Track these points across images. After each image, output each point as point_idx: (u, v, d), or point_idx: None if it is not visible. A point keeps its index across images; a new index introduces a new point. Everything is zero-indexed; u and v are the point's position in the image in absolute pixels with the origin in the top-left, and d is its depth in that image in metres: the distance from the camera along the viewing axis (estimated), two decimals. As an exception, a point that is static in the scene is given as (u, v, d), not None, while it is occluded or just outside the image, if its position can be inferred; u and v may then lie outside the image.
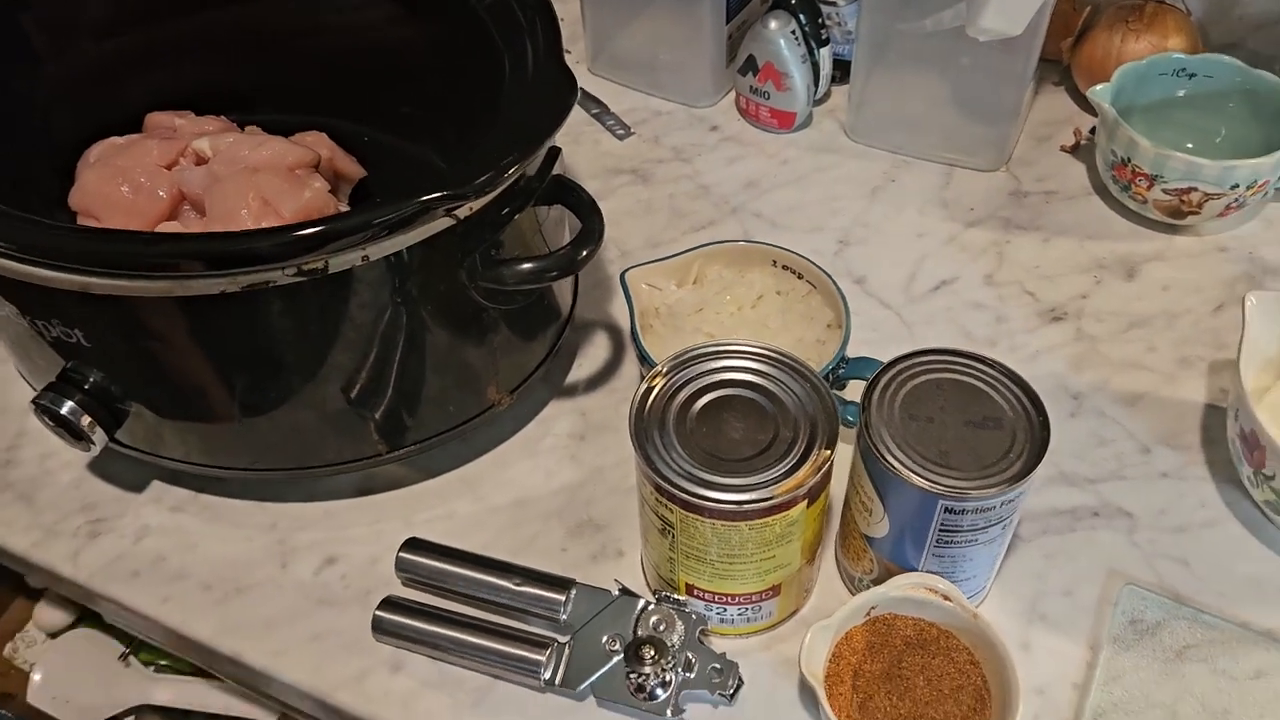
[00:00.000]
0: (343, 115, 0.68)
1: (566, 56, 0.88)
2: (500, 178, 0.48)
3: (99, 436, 0.55)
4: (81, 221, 0.59)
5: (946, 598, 0.50)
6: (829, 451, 0.47)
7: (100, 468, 0.63)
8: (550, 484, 0.61)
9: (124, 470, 0.62)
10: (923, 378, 0.50)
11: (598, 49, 0.87)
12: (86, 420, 0.54)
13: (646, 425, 0.49)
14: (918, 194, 0.76)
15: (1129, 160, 0.69)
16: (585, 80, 0.87)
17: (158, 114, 0.66)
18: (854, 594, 0.55)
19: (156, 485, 0.62)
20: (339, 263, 0.47)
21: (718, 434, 0.48)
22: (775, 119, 0.80)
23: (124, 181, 0.57)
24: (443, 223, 0.49)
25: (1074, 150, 0.78)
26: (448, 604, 0.56)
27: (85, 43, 0.66)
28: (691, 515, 0.47)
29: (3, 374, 0.66)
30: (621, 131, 0.82)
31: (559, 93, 0.52)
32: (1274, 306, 0.57)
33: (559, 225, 0.60)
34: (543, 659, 0.52)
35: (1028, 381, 0.49)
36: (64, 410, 0.53)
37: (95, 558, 0.59)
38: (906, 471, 0.46)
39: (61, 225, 0.49)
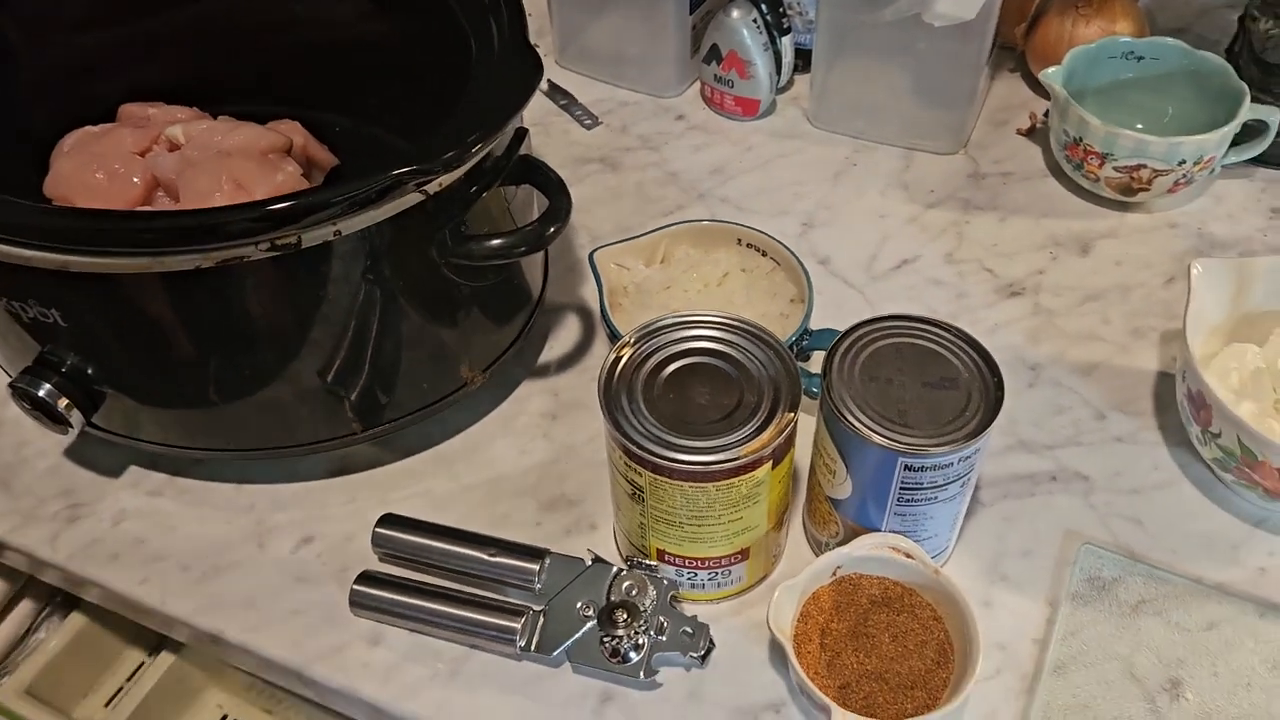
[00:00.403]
0: (314, 105, 0.69)
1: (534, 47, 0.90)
2: (468, 153, 0.50)
3: (76, 419, 0.56)
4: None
5: (909, 556, 0.51)
6: (792, 414, 0.49)
7: (77, 454, 0.63)
8: (524, 461, 0.62)
9: (101, 456, 0.63)
10: (882, 342, 0.51)
11: (565, 42, 0.88)
12: (64, 403, 0.55)
13: (615, 393, 0.50)
14: (879, 177, 0.78)
15: (1081, 140, 0.71)
16: (553, 73, 0.88)
17: (131, 105, 0.66)
18: (822, 555, 0.57)
19: (134, 470, 0.63)
20: (311, 238, 0.48)
21: (685, 400, 0.50)
22: (740, 107, 0.82)
23: (99, 168, 0.58)
24: (413, 198, 0.50)
25: (1029, 133, 0.80)
26: (424, 577, 0.57)
27: (59, 36, 0.67)
28: (660, 478, 0.49)
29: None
30: (589, 121, 0.84)
31: (524, 72, 0.53)
32: (1219, 274, 0.59)
33: (527, 205, 0.61)
34: (518, 626, 0.53)
35: (982, 344, 0.51)
36: (41, 393, 0.54)
37: (74, 541, 0.60)
38: (866, 430, 0.48)
39: (40, 205, 0.50)
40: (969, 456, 0.49)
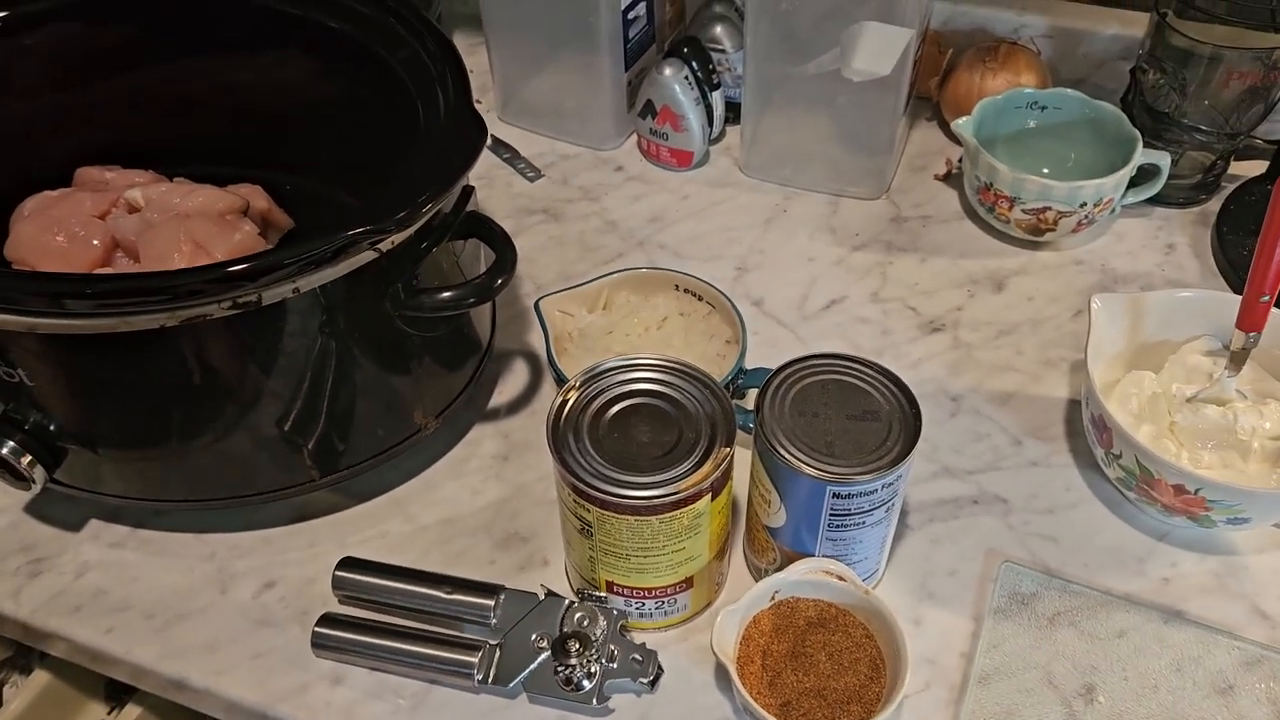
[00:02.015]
0: (266, 165, 0.72)
1: (478, 105, 0.93)
2: (419, 212, 0.53)
3: (39, 475, 0.58)
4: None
5: (841, 579, 0.55)
6: (728, 449, 0.52)
7: (37, 509, 0.65)
8: (477, 501, 0.65)
9: (62, 511, 0.64)
10: (810, 379, 0.55)
11: (507, 97, 0.92)
12: (27, 460, 0.57)
13: (563, 434, 0.53)
14: (807, 222, 0.83)
15: (991, 185, 0.76)
16: (496, 128, 0.92)
17: (88, 168, 0.69)
18: (761, 581, 0.60)
19: (95, 523, 0.64)
20: (271, 295, 0.51)
21: (628, 439, 0.53)
22: (674, 158, 0.87)
23: (59, 231, 0.60)
24: (367, 255, 0.53)
25: (946, 178, 0.85)
26: (384, 617, 0.59)
27: (11, 102, 0.69)
28: (607, 513, 0.52)
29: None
30: (532, 174, 0.88)
31: (470, 134, 0.57)
32: (1115, 308, 0.64)
33: (475, 258, 0.65)
34: (475, 660, 0.55)
35: (901, 378, 0.55)
36: (4, 451, 0.56)
37: (37, 595, 0.61)
38: (797, 462, 0.52)
39: (5, 270, 0.52)
40: (892, 483, 0.53)
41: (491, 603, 0.57)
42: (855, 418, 0.54)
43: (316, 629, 0.58)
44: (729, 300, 0.66)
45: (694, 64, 0.83)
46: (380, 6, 0.64)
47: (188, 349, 0.53)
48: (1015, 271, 0.78)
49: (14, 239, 0.62)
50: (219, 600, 0.61)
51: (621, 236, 0.82)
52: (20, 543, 0.63)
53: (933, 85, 0.88)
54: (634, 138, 0.90)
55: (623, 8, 0.82)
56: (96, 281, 0.51)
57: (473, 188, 0.61)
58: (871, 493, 0.52)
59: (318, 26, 0.66)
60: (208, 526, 0.64)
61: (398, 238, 0.53)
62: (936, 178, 0.86)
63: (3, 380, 0.54)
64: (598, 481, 0.51)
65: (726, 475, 0.53)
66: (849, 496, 0.52)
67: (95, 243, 0.62)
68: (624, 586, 0.56)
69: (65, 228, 0.62)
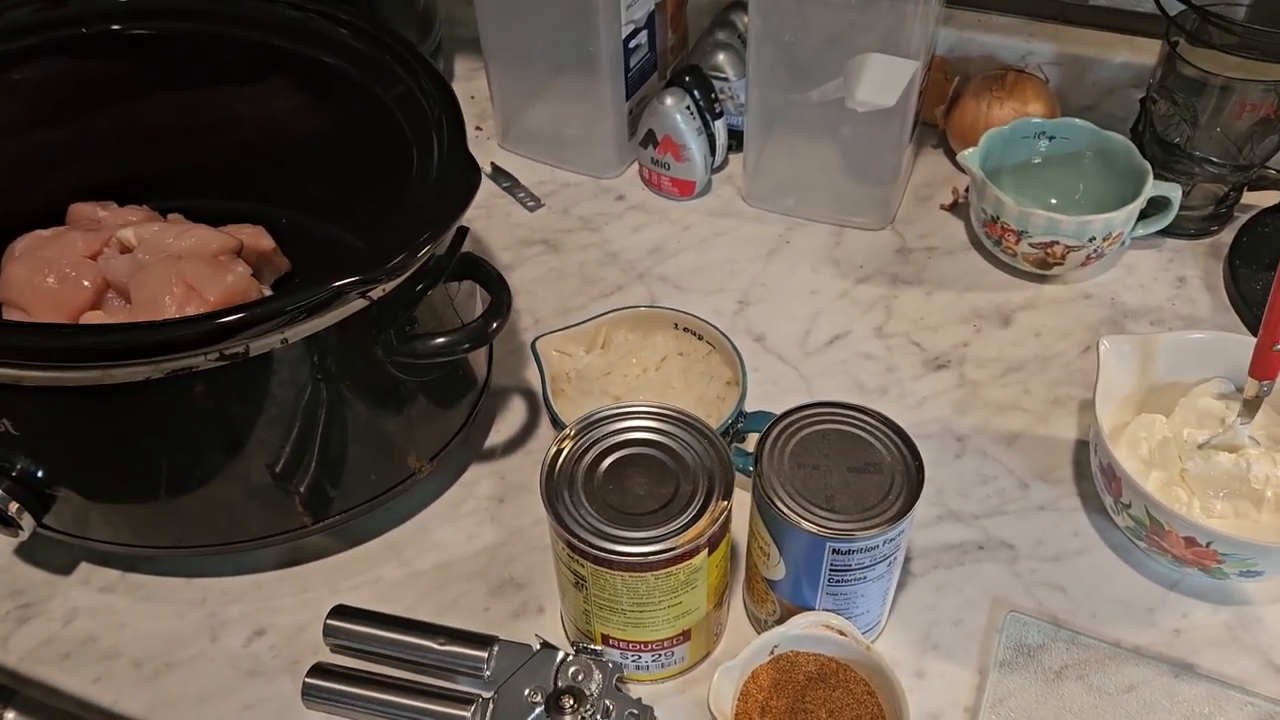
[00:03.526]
0: (261, 199, 0.72)
1: (477, 133, 0.93)
2: (410, 260, 0.52)
3: (27, 522, 0.57)
4: (7, 313, 0.61)
5: (842, 633, 0.54)
6: (726, 502, 0.51)
7: (26, 552, 0.64)
8: (472, 545, 0.64)
9: (51, 554, 0.63)
10: (810, 429, 0.54)
11: (507, 125, 0.91)
12: (14, 507, 0.56)
13: (557, 486, 0.52)
14: (811, 253, 0.82)
15: (998, 218, 0.75)
16: (496, 155, 0.91)
17: (81, 205, 0.68)
18: (760, 635, 0.59)
19: (84, 567, 0.63)
20: (259, 346, 0.50)
21: (623, 491, 0.52)
22: (676, 188, 0.85)
23: (50, 273, 0.60)
24: (357, 304, 0.52)
25: (952, 208, 0.84)
26: (376, 667, 0.58)
27: (1, 139, 0.68)
28: (602, 569, 0.51)
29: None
30: (532, 204, 0.86)
31: (464, 178, 0.56)
32: (1125, 349, 0.63)
33: (470, 297, 0.64)
34: (468, 715, 0.54)
35: (904, 429, 0.53)
36: (-9, 498, 0.55)
37: (25, 641, 0.60)
38: (795, 517, 0.50)
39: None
40: (894, 538, 0.51)
41: (485, 654, 0.56)
42: (856, 470, 0.52)
43: (307, 680, 0.56)
44: (729, 340, 0.65)
45: (696, 93, 0.82)
46: (377, 44, 0.63)
47: (174, 399, 0.52)
48: (1022, 306, 0.77)
49: (5, 280, 0.62)
50: (209, 648, 0.60)
51: (622, 268, 0.81)
52: (9, 587, 0.62)
53: (939, 113, 0.86)
54: (635, 166, 0.88)
55: (624, 36, 0.81)
56: (77, 334, 0.50)
57: (467, 228, 0.60)
58: (873, 548, 0.51)
59: (313, 62, 0.65)
60: (198, 570, 0.63)
61: (389, 285, 0.52)
62: (943, 207, 0.84)
63: (-12, 429, 0.53)
64: (591, 537, 0.50)
65: (724, 529, 0.52)
66: (850, 552, 0.51)
67: (86, 284, 0.61)
68: (620, 639, 0.55)
69: (56, 269, 0.61)
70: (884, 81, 0.75)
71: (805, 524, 0.50)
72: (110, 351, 0.49)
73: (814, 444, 0.53)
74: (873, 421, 0.54)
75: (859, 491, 0.52)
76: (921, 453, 0.52)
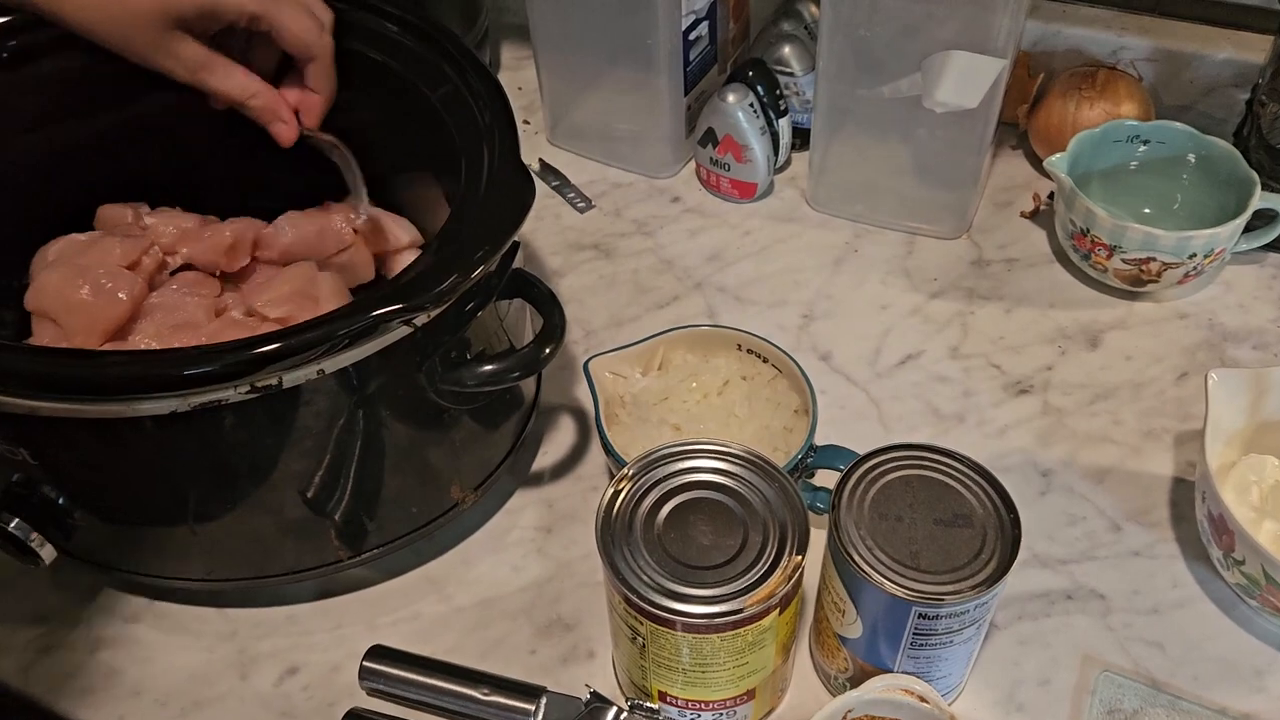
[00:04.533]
0: (296, 201, 0.67)
1: (524, 127, 0.88)
2: (459, 284, 0.48)
3: (47, 552, 0.53)
4: (37, 325, 0.57)
5: (923, 699, 0.49)
6: (800, 557, 0.46)
7: (50, 579, 0.60)
8: (517, 580, 0.60)
9: (75, 580, 0.60)
10: (892, 474, 0.49)
11: (556, 119, 0.86)
12: (35, 537, 0.52)
13: (614, 533, 0.48)
14: (880, 264, 0.76)
15: (1088, 230, 0.69)
16: (544, 151, 0.86)
17: (111, 207, 0.64)
18: (830, 690, 0.55)
19: (110, 595, 0.60)
20: (293, 378, 0.46)
21: (686, 540, 0.47)
22: (736, 190, 0.80)
23: (84, 283, 0.56)
24: (400, 331, 0.48)
25: (1033, 216, 0.78)
26: (414, 714, 0.54)
27: (25, 138, 0.64)
28: (662, 628, 0.46)
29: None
30: (582, 204, 0.82)
31: (517, 194, 0.51)
32: (1235, 384, 0.57)
33: (520, 315, 0.59)
34: (513, 772, 0.50)
35: (997, 478, 0.48)
36: (10, 527, 0.52)
37: (46, 673, 0.57)
38: (878, 577, 0.46)
39: (8, 345, 0.47)
40: (986, 602, 0.46)
41: (532, 707, 0.52)
42: (944, 523, 0.47)
43: (342, 727, 0.53)
44: (797, 365, 0.60)
45: (760, 89, 0.77)
46: (426, 40, 0.59)
47: (203, 432, 0.48)
48: (1112, 325, 0.71)
49: (36, 288, 0.58)
50: (239, 686, 0.56)
51: (678, 276, 0.76)
52: (31, 615, 0.59)
53: (1021, 112, 0.80)
54: (692, 165, 0.83)
55: (684, 27, 0.76)
56: (99, 364, 0.46)
57: (519, 243, 0.55)
58: (962, 613, 0.46)
59: (357, 57, 0.60)
60: (229, 601, 0.59)
61: (435, 310, 0.48)
62: (1023, 215, 0.79)
63: (6, 457, 0.50)
64: (652, 593, 0.46)
65: (797, 586, 0.47)
66: (937, 617, 0.46)
67: (122, 296, 0.57)
68: (679, 698, 0.51)
69: (91, 278, 0.57)
70: (966, 81, 0.69)
71: (888, 585, 0.45)
72: (133, 384, 0.45)
73: (897, 492, 0.48)
74: (961, 467, 0.49)
75: (947, 548, 0.47)
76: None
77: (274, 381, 0.46)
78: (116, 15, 0.48)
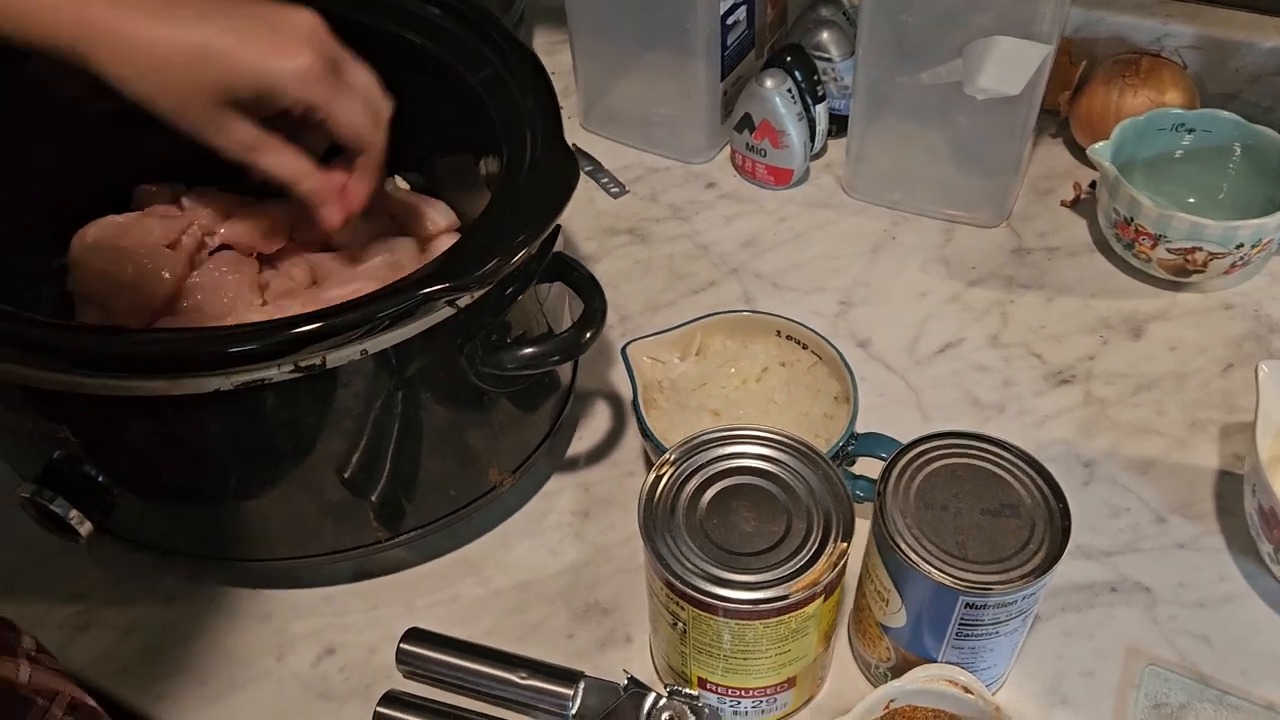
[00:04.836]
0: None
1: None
2: (503, 266, 0.47)
3: (86, 529, 0.53)
4: (82, 305, 0.57)
5: (968, 690, 0.48)
6: (845, 544, 0.46)
7: (88, 556, 0.61)
8: (555, 564, 0.60)
9: (113, 558, 0.60)
10: (938, 463, 0.48)
11: (590, 104, 0.86)
12: (74, 514, 0.52)
13: (657, 517, 0.47)
14: (919, 251, 0.75)
15: (1132, 219, 0.68)
16: (578, 136, 0.86)
17: (148, 187, 0.64)
18: (869, 679, 0.54)
19: (147, 573, 0.60)
20: (337, 358, 0.46)
21: (729, 526, 0.47)
22: (772, 176, 0.79)
23: (128, 263, 0.56)
24: (443, 312, 0.47)
25: (1074, 205, 0.77)
26: (451, 698, 0.54)
27: (64, 114, 0.64)
28: (704, 614, 0.46)
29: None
30: (616, 189, 0.81)
31: (561, 175, 0.51)
32: (1288, 375, 0.56)
33: (559, 300, 0.59)
34: (552, 757, 0.50)
35: (1046, 467, 0.48)
36: (51, 505, 0.52)
37: (84, 651, 0.57)
38: (926, 565, 0.45)
39: (47, 321, 0.47)
40: (1035, 593, 0.46)
41: (571, 692, 0.52)
42: (991, 512, 0.47)
43: (379, 709, 0.52)
44: (837, 352, 0.59)
45: (798, 74, 0.76)
46: (467, 24, 0.58)
47: (245, 411, 0.48)
48: (1155, 316, 0.70)
49: (78, 271, 0.58)
50: (275, 668, 0.56)
51: (713, 262, 0.75)
52: (69, 593, 0.59)
53: (1063, 100, 0.79)
54: (727, 150, 0.83)
55: (722, 11, 0.75)
56: (139, 344, 0.46)
57: (560, 225, 0.55)
58: (1010, 604, 0.46)
59: (396, 39, 0.60)
60: (266, 582, 0.59)
61: (478, 292, 0.48)
62: (1064, 204, 0.77)
63: (48, 434, 0.50)
64: (695, 578, 0.45)
65: (841, 574, 0.47)
66: (985, 607, 0.45)
67: (165, 275, 0.57)
68: (719, 685, 0.50)
69: (134, 259, 0.57)
70: (1009, 67, 0.68)
71: (936, 574, 0.45)
72: (178, 362, 0.44)
73: (943, 481, 0.48)
74: (1009, 456, 0.48)
75: (994, 538, 0.46)
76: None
77: (317, 361, 0.45)
78: (173, 88, 0.47)
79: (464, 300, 0.47)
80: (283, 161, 0.52)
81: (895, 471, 0.48)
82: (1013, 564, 0.45)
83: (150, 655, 0.57)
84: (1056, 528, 0.46)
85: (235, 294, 0.56)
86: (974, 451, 0.49)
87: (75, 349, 0.45)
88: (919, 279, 0.73)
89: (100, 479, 0.52)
